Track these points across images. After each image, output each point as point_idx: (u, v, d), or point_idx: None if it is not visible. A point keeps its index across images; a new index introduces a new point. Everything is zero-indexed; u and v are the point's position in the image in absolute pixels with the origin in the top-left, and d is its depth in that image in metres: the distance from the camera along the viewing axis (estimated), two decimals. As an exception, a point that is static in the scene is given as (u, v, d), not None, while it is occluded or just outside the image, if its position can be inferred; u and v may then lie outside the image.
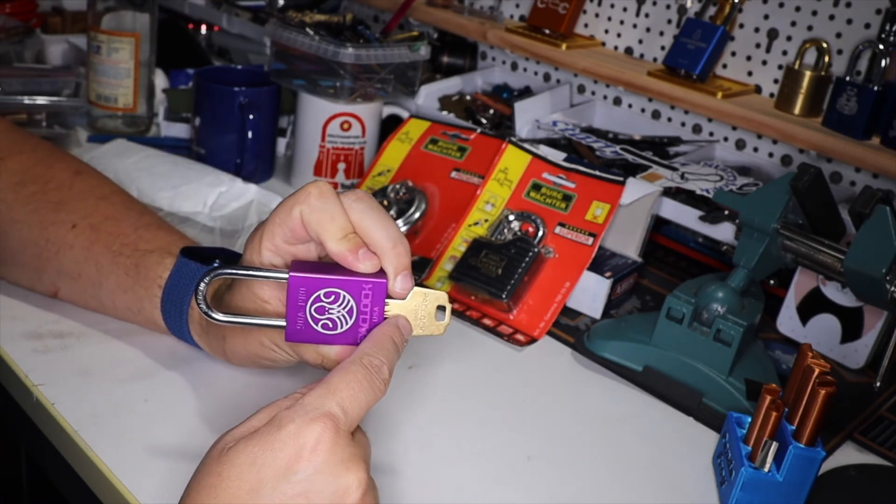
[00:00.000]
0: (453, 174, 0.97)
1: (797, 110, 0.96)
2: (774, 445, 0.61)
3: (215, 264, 0.68)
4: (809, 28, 0.99)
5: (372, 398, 0.50)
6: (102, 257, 0.71)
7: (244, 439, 0.48)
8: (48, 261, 0.73)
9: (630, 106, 1.16)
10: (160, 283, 0.69)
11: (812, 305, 0.84)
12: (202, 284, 0.54)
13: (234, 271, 0.56)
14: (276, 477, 0.46)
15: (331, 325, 0.55)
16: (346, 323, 0.55)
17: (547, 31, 1.13)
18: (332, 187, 0.57)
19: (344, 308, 0.55)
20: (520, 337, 0.82)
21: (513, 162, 0.94)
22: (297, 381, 0.70)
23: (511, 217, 0.90)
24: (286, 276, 0.54)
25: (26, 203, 0.73)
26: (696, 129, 1.11)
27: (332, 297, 0.54)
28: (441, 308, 0.57)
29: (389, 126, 1.07)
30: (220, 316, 0.55)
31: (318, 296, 0.54)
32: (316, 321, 0.55)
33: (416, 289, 0.56)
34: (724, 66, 1.06)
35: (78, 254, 0.72)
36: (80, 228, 0.72)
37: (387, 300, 0.55)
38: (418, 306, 0.56)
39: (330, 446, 0.47)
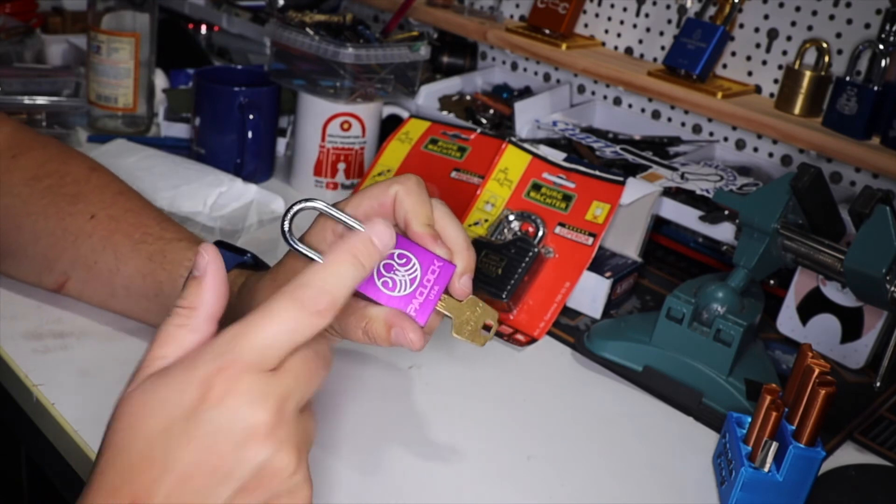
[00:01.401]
0: (453, 174, 0.97)
1: (797, 110, 0.96)
2: (774, 445, 0.61)
3: (248, 256, 0.70)
4: (809, 28, 0.99)
5: (299, 335, 0.45)
6: (122, 245, 0.72)
7: (154, 376, 0.46)
8: (63, 250, 0.73)
9: (630, 106, 1.16)
10: (187, 266, 0.70)
11: (812, 305, 0.84)
12: (290, 214, 0.55)
13: (326, 209, 0.56)
14: (185, 418, 0.44)
15: (390, 285, 0.56)
16: (405, 288, 0.57)
17: (547, 31, 1.13)
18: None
19: (409, 273, 0.57)
20: (520, 337, 0.82)
21: (513, 162, 0.94)
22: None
23: (511, 217, 0.90)
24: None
25: (42, 196, 0.74)
26: (696, 129, 1.11)
27: (404, 259, 0.56)
28: (486, 327, 0.58)
29: (389, 126, 1.07)
30: (302, 248, 0.56)
31: (393, 254, 0.56)
32: (379, 276, 0.56)
33: (473, 297, 0.58)
34: (724, 66, 1.06)
35: (96, 243, 0.72)
36: (99, 219, 0.73)
37: (444, 294, 0.57)
38: (469, 314, 0.57)
39: (242, 396, 0.44)
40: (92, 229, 0.73)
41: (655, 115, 1.14)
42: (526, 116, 1.09)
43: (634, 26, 1.14)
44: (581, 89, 1.21)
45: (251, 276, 0.68)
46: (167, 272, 0.71)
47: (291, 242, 0.56)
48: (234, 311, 0.62)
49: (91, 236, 0.73)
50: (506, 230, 0.89)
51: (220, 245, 0.71)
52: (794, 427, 0.61)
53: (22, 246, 0.74)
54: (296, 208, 0.55)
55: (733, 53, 1.05)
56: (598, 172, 0.91)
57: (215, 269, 0.48)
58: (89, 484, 0.45)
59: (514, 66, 1.28)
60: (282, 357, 0.45)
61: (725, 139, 1.08)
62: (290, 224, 0.56)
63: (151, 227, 0.73)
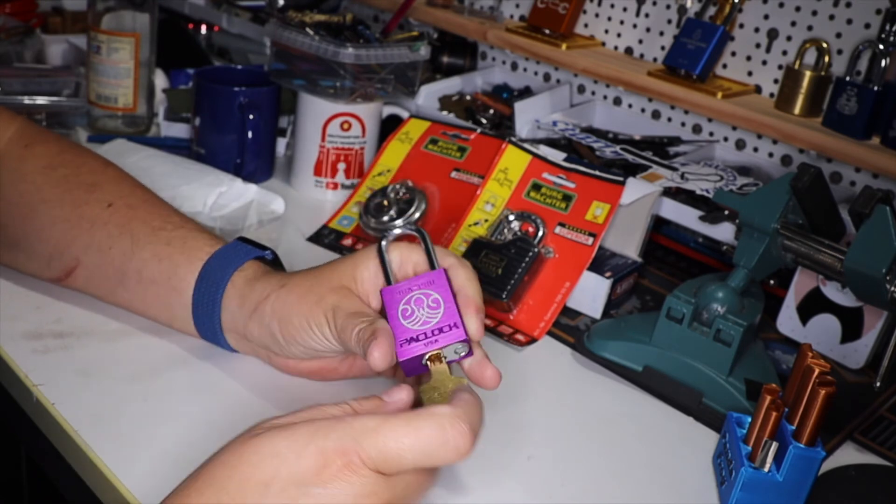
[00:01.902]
0: (453, 174, 0.97)
1: (797, 110, 0.96)
2: (774, 445, 0.61)
3: (268, 252, 0.71)
4: (809, 28, 0.99)
5: (429, 461, 0.47)
6: (140, 231, 0.72)
7: (276, 429, 0.47)
8: (77, 237, 0.73)
9: (630, 106, 1.16)
10: (208, 252, 0.70)
11: (812, 305, 0.84)
12: (389, 238, 0.65)
13: (426, 241, 0.64)
14: (289, 482, 0.45)
15: (408, 313, 0.61)
16: (415, 325, 0.60)
17: (547, 31, 1.13)
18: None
19: (429, 317, 0.60)
20: (520, 337, 0.82)
21: (513, 162, 0.94)
22: (299, 387, 0.70)
23: (511, 217, 0.90)
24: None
25: (57, 185, 0.75)
26: (696, 129, 1.11)
27: (436, 305, 0.60)
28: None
29: (389, 126, 1.07)
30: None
31: (432, 294, 0.61)
32: (408, 300, 0.61)
33: (459, 378, 0.58)
34: (724, 66, 1.06)
35: (112, 229, 0.73)
36: (117, 207, 0.73)
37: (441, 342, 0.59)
38: (445, 385, 0.57)
39: (350, 486, 0.45)
40: (108, 217, 0.73)
41: (655, 115, 1.14)
42: (526, 116, 1.09)
43: (634, 26, 1.14)
44: (581, 89, 1.21)
45: (271, 271, 0.69)
46: (186, 256, 0.71)
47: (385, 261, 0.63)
48: (247, 302, 0.63)
49: (107, 224, 0.73)
50: (506, 230, 0.89)
51: (241, 240, 0.72)
52: (794, 427, 0.61)
53: (36, 230, 0.74)
54: (396, 233, 0.65)
55: (733, 53, 1.05)
56: (598, 172, 0.91)
57: (401, 405, 0.51)
58: (167, 501, 0.46)
59: (514, 66, 1.28)
60: (403, 470, 0.46)
61: (725, 139, 1.08)
62: (387, 246, 0.64)
63: (171, 217, 0.74)
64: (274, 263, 0.72)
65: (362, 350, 0.58)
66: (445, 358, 0.59)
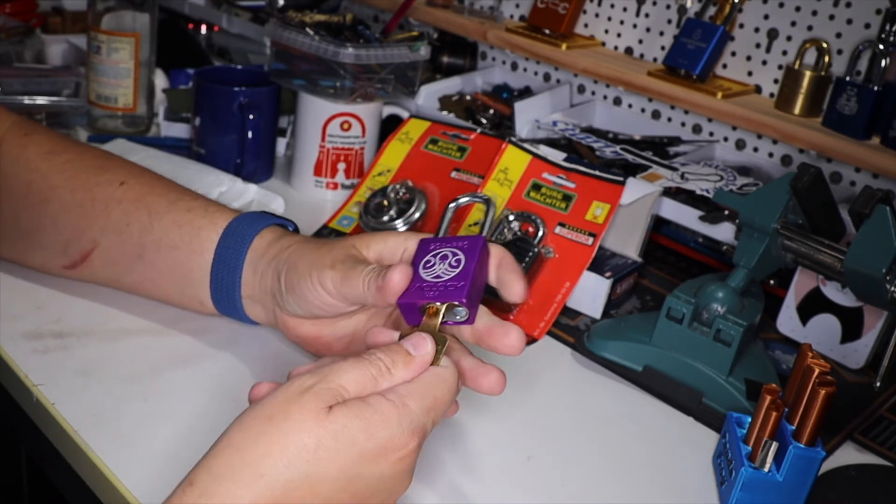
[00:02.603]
0: (453, 174, 0.97)
1: (797, 110, 0.96)
2: (774, 445, 0.61)
3: (291, 222, 0.73)
4: (809, 28, 0.99)
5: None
6: (157, 203, 0.72)
7: (346, 409, 0.49)
8: (94, 220, 0.73)
9: (630, 106, 1.16)
10: (232, 215, 0.71)
11: (812, 305, 0.84)
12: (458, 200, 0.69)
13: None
14: (365, 462, 0.49)
15: (430, 263, 0.61)
16: (430, 276, 0.60)
17: (547, 31, 1.13)
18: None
19: (446, 272, 0.60)
20: (520, 337, 0.82)
21: (513, 162, 0.94)
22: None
23: (511, 217, 0.90)
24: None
25: (63, 170, 0.74)
26: (696, 129, 1.11)
27: (458, 264, 0.60)
28: None
29: (389, 126, 1.07)
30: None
31: (461, 256, 0.60)
32: (434, 256, 0.61)
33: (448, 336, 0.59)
34: (724, 66, 1.06)
35: (128, 206, 0.72)
36: (130, 185, 0.73)
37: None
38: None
39: (412, 463, 0.51)
40: (123, 195, 0.73)
41: (655, 115, 1.14)
42: (526, 116, 1.09)
43: (634, 26, 1.14)
44: (581, 89, 1.21)
45: (291, 235, 0.70)
46: (208, 220, 0.71)
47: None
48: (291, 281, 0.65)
49: (122, 201, 0.72)
50: (506, 230, 0.89)
51: (266, 213, 0.73)
52: (794, 427, 0.61)
53: (51, 219, 0.74)
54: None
55: (733, 53, 1.05)
56: (598, 172, 0.91)
57: (426, 362, 0.54)
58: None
59: (514, 66, 1.28)
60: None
61: (725, 139, 1.08)
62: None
63: (187, 192, 0.74)
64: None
65: (370, 285, 0.60)
66: (442, 315, 0.58)
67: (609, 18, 1.16)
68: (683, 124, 1.12)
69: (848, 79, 0.91)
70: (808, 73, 0.95)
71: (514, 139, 0.96)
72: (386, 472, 0.50)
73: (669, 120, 1.13)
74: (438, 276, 0.59)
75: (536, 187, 0.92)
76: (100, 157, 0.76)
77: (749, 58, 1.04)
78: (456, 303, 0.58)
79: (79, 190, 0.73)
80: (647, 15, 1.12)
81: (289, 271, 0.66)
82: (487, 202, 0.67)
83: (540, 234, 0.88)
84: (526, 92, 1.22)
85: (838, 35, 0.96)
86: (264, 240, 0.69)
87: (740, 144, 1.07)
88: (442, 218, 0.68)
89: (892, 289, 0.68)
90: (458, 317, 0.59)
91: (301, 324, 0.68)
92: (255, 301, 0.70)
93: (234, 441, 0.48)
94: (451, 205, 0.68)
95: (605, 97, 1.18)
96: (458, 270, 0.59)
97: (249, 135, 1.03)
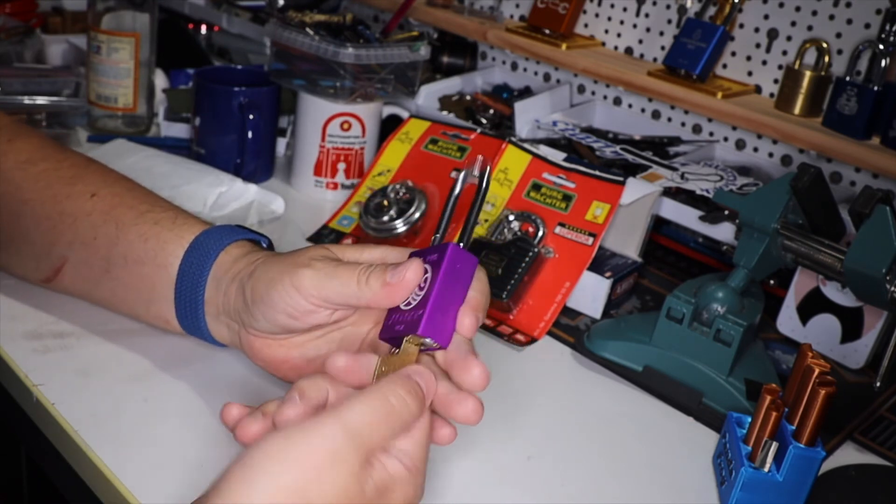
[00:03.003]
0: (453, 174, 0.97)
1: (797, 110, 0.96)
2: (774, 445, 0.61)
3: (264, 238, 0.69)
4: (809, 28, 0.99)
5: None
6: (126, 216, 0.69)
7: (386, 468, 0.48)
8: (62, 234, 0.71)
9: (630, 106, 1.16)
10: (200, 228, 0.68)
11: (812, 305, 0.84)
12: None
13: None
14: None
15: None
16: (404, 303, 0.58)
17: (547, 31, 1.13)
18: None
19: (413, 299, 0.57)
20: (520, 337, 0.82)
21: (513, 162, 0.94)
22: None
23: (511, 217, 0.90)
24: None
25: (36, 180, 0.72)
26: (696, 129, 1.11)
27: (423, 290, 0.57)
28: None
29: (389, 126, 1.07)
30: None
31: (427, 280, 0.57)
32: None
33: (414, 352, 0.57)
34: (724, 66, 1.06)
35: (96, 218, 0.70)
36: (101, 196, 0.71)
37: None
38: (392, 363, 0.56)
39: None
40: (92, 207, 0.70)
41: (655, 115, 1.14)
42: (526, 116, 1.09)
43: (634, 26, 1.14)
44: (581, 89, 1.21)
45: (261, 251, 0.67)
46: (175, 233, 0.68)
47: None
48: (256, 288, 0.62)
49: (90, 214, 0.70)
50: (506, 230, 0.89)
51: (239, 227, 0.70)
52: (794, 427, 0.61)
53: (21, 233, 0.73)
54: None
55: (733, 53, 1.05)
56: (598, 172, 0.91)
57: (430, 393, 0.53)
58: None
59: (514, 66, 1.28)
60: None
61: (725, 139, 1.08)
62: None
63: (159, 202, 0.71)
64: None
65: (371, 282, 0.57)
66: (422, 345, 0.56)
67: (609, 18, 1.16)
68: (683, 124, 1.12)
69: (848, 79, 0.91)
70: (808, 73, 0.95)
71: (514, 139, 0.96)
72: None
73: (669, 120, 1.13)
74: (409, 303, 0.57)
75: (536, 187, 0.92)
76: (76, 166, 0.73)
77: (749, 58, 1.04)
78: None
79: (48, 202, 0.71)
80: (647, 15, 1.12)
81: (255, 282, 0.62)
82: (482, 176, 0.61)
83: (540, 234, 0.88)
84: (526, 92, 1.22)
85: (838, 35, 0.96)
86: (230, 255, 0.66)
87: (740, 144, 1.07)
88: (443, 212, 0.64)
89: (892, 289, 0.68)
90: (427, 345, 0.57)
91: (268, 345, 0.64)
92: (219, 320, 0.66)
93: None
94: (454, 193, 0.64)
95: (605, 97, 1.18)
96: (422, 294, 0.56)
97: (249, 135, 1.03)
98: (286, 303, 0.60)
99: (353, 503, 0.45)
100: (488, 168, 0.62)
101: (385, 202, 0.96)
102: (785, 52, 1.01)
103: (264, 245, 0.69)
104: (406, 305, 0.57)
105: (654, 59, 1.12)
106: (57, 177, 0.72)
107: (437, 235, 0.64)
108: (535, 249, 0.86)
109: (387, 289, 0.57)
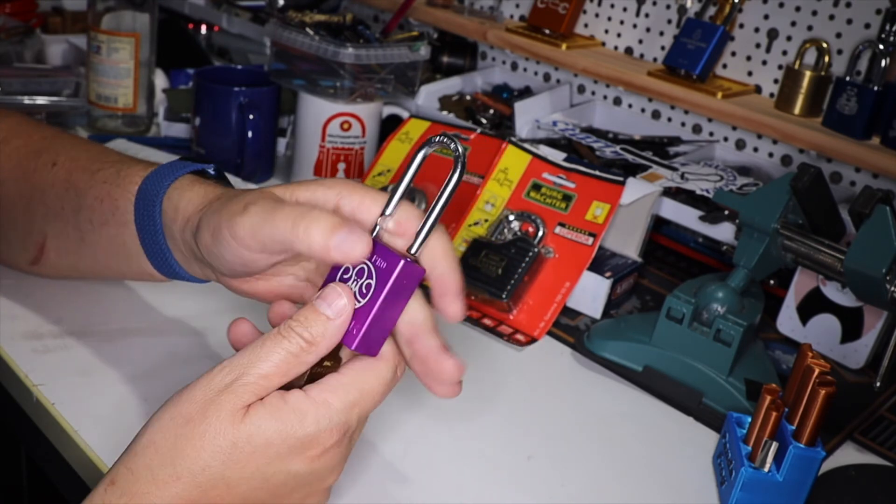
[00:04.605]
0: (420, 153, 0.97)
1: (797, 110, 0.96)
2: (774, 445, 0.61)
3: (211, 165, 0.65)
4: (809, 28, 0.99)
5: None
6: (81, 180, 0.67)
7: (262, 410, 0.48)
8: (36, 209, 0.70)
9: (630, 106, 1.16)
10: (142, 175, 0.64)
11: (812, 305, 0.84)
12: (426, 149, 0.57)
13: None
14: (281, 461, 0.49)
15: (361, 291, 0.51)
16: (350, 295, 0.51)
17: (547, 31, 1.13)
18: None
19: (357, 287, 0.51)
20: (520, 337, 0.82)
21: (513, 162, 0.94)
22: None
23: (511, 217, 0.90)
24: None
25: (9, 159, 0.71)
26: (696, 129, 1.11)
27: (369, 282, 0.51)
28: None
29: (389, 126, 1.07)
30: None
31: (373, 270, 0.51)
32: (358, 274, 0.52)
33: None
34: (724, 66, 1.06)
35: (59, 188, 0.69)
36: (60, 164, 0.69)
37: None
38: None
39: (336, 457, 0.51)
40: (54, 177, 0.69)
41: (655, 115, 1.14)
42: (526, 116, 1.09)
43: (634, 26, 1.14)
44: (581, 89, 1.21)
45: (211, 184, 0.62)
46: (121, 188, 0.65)
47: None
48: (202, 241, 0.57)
49: (54, 184, 0.69)
50: (506, 230, 0.89)
51: (183, 158, 0.66)
52: (794, 427, 0.61)
53: (5, 216, 0.72)
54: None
55: (733, 53, 1.05)
56: (598, 172, 0.91)
57: (346, 318, 0.50)
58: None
59: (514, 66, 1.28)
60: None
61: (725, 139, 1.08)
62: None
63: (108, 157, 0.68)
64: (218, 180, 0.65)
65: (307, 230, 0.50)
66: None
67: (609, 18, 1.16)
68: (683, 124, 1.12)
69: (848, 79, 0.91)
70: (808, 73, 0.95)
71: (514, 139, 0.96)
72: (303, 469, 0.50)
73: (669, 120, 1.13)
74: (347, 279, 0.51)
75: (536, 187, 0.92)
76: (45, 139, 0.72)
77: (749, 58, 1.04)
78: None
79: (21, 180, 0.70)
80: (647, 15, 1.12)
81: (201, 235, 0.57)
82: (456, 157, 0.53)
83: (540, 234, 0.88)
84: (526, 92, 1.22)
85: (838, 35, 0.96)
86: (171, 202, 0.61)
87: (740, 144, 1.07)
88: (408, 167, 0.56)
89: (892, 289, 0.69)
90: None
91: (241, 282, 0.59)
92: (193, 264, 0.62)
93: (155, 441, 0.48)
94: (420, 153, 0.56)
95: (605, 97, 1.18)
96: (363, 303, 0.50)
97: (249, 135, 1.03)
98: (232, 254, 0.55)
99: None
100: (462, 152, 0.54)
101: (385, 202, 0.96)
102: (785, 52, 1.01)
103: (212, 172, 0.65)
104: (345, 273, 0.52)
105: (654, 59, 1.12)
106: (26, 152, 0.71)
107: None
108: (535, 249, 0.86)
109: (323, 248, 0.50)
